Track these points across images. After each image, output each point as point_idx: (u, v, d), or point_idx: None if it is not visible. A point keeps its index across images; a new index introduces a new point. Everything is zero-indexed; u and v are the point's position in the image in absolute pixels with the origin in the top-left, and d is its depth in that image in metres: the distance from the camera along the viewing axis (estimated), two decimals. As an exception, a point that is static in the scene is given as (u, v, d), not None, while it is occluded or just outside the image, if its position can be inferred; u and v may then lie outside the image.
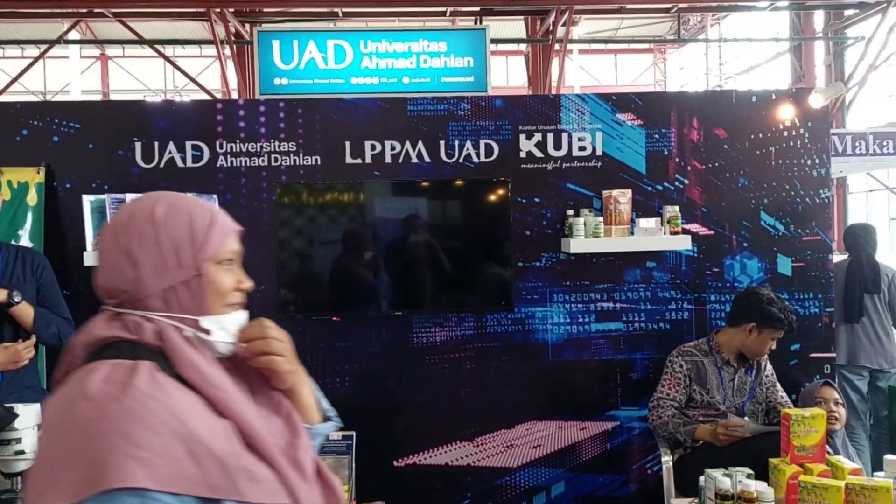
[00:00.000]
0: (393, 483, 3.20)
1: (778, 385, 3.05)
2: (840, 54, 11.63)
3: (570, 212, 3.25)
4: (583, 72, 17.20)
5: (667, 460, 2.87)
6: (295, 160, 3.20)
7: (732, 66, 17.00)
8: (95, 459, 0.83)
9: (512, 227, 3.25)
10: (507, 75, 17.43)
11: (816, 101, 3.30)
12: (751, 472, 2.08)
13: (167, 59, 10.70)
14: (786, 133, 3.36)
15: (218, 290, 1.01)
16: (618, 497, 3.32)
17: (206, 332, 0.98)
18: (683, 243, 3.21)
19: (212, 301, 1.00)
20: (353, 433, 2.13)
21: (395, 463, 3.24)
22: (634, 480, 3.31)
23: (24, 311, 2.36)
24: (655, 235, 3.19)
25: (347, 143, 3.22)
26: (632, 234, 3.21)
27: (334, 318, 3.18)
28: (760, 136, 3.36)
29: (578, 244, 3.16)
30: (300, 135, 3.21)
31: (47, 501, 0.83)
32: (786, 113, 3.34)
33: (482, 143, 3.28)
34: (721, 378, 2.97)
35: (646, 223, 3.20)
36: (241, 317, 1.05)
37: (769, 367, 3.07)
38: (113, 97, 16.90)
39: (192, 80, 10.29)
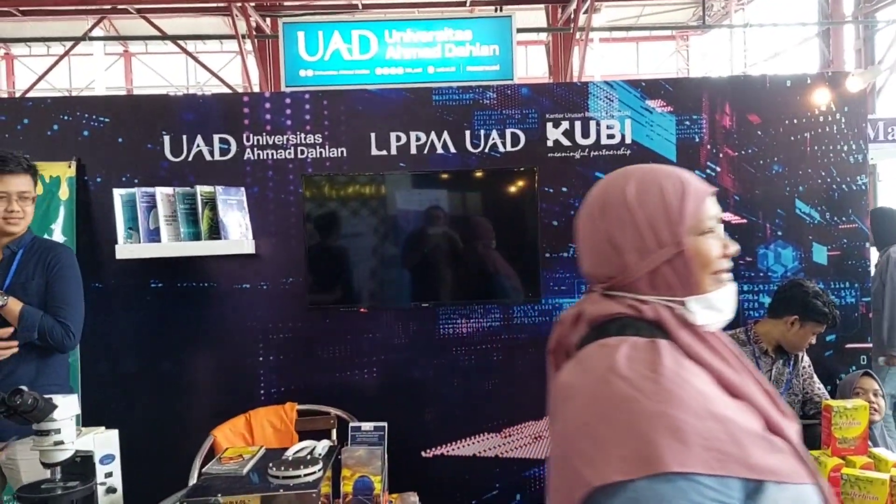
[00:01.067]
0: (421, 474, 3.19)
1: (815, 377, 2.99)
2: (870, 38, 11.38)
3: (599, 201, 3.20)
4: (604, 61, 17.02)
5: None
6: (321, 152, 3.19)
7: (757, 53, 16.72)
8: (645, 440, 0.81)
9: (539, 218, 3.21)
10: (528, 65, 17.30)
11: (855, 84, 3.22)
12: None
13: (189, 54, 10.76)
14: (821, 118, 3.28)
15: (704, 262, 0.97)
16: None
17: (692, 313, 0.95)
18: (715, 232, 3.14)
19: (699, 275, 0.96)
20: (385, 424, 2.11)
21: (423, 454, 3.23)
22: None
23: (11, 311, 2.32)
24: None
25: (373, 135, 3.20)
26: (662, 223, 3.15)
27: (362, 310, 3.17)
28: (795, 121, 3.28)
29: (608, 234, 3.11)
30: (326, 126, 3.20)
31: (600, 473, 0.81)
32: (821, 98, 3.26)
33: (508, 132, 3.24)
34: (758, 368, 2.91)
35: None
36: (728, 293, 0.99)
37: (806, 358, 3.01)
38: (136, 94, 17.06)
39: (215, 74, 10.34)
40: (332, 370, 3.19)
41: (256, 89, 10.09)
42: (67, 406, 1.75)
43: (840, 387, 3.07)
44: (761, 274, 3.28)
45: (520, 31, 9.03)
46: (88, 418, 2.84)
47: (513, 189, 3.23)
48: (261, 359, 3.16)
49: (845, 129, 3.28)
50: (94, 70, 16.14)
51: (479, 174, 3.22)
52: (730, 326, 3.09)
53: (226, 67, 15.52)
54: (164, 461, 2.78)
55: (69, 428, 1.73)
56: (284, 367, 3.17)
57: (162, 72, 17.77)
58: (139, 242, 2.84)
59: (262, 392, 3.16)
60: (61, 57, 10.54)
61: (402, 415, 3.20)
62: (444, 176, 3.20)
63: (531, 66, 17.20)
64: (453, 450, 3.25)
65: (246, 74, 9.75)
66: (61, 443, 1.69)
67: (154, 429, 3.10)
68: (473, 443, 3.26)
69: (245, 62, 9.26)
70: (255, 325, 3.15)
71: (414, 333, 3.23)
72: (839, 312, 2.88)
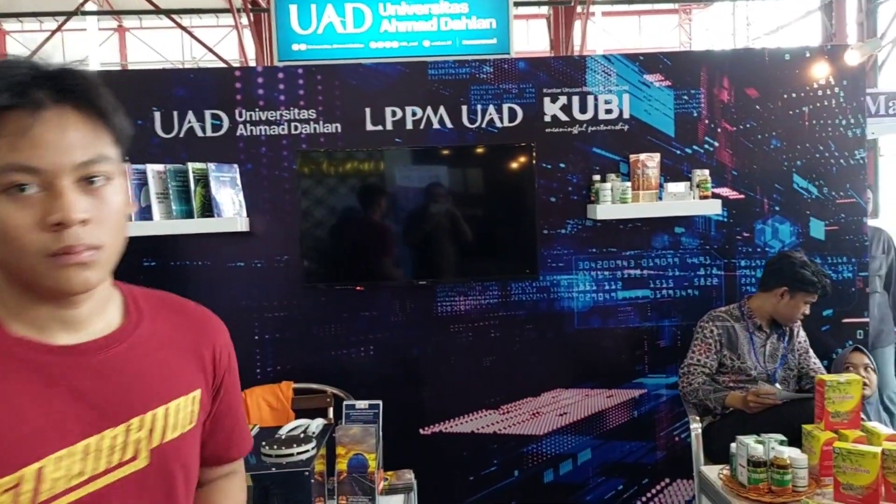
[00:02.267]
0: (419, 451, 3.21)
1: (811, 352, 2.99)
2: (872, 12, 11.25)
3: (597, 177, 3.18)
4: (606, 35, 16.83)
5: (695, 427, 2.84)
6: (315, 128, 3.15)
7: (760, 27, 16.54)
8: None
9: (536, 194, 3.18)
10: (528, 39, 17.11)
11: (853, 57, 3.17)
12: (783, 438, 2.04)
13: (184, 28, 10.62)
14: (820, 92, 3.24)
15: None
16: (645, 464, 3.30)
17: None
18: (713, 208, 3.12)
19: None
20: (380, 402, 2.11)
21: (421, 431, 3.24)
22: (662, 448, 3.29)
23: None
24: (684, 200, 3.11)
25: (368, 110, 3.16)
26: (660, 199, 3.13)
27: (358, 288, 3.16)
28: (793, 95, 3.24)
29: (605, 210, 3.09)
30: (320, 102, 3.16)
31: None
32: (820, 71, 3.22)
33: (505, 107, 3.20)
34: (753, 344, 2.92)
35: (674, 188, 3.12)
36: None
37: (802, 333, 3.01)
38: (126, 68, 16.89)
39: (210, 49, 10.21)
40: (329, 348, 3.19)
41: (253, 64, 9.98)
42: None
43: (834, 363, 3.07)
44: (759, 249, 3.26)
45: (519, 4, 8.91)
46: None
47: (510, 165, 3.20)
48: (256, 337, 3.16)
49: (844, 103, 3.24)
50: (87, 45, 15.95)
51: (476, 150, 3.18)
52: (723, 303, 3.09)
53: (222, 42, 15.34)
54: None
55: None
56: (280, 345, 3.16)
57: (157, 47, 17.58)
58: (130, 220, 2.81)
59: (258, 371, 3.16)
60: (53, 32, 10.40)
61: (400, 392, 3.21)
62: (442, 152, 3.17)
63: (532, 40, 17.02)
64: (451, 427, 3.26)
65: (242, 49, 9.64)
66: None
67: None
68: (471, 420, 3.27)
69: (241, 36, 9.15)
70: (251, 304, 3.14)
71: (411, 311, 3.22)
72: (829, 281, 2.87)
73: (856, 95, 3.24)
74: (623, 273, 3.28)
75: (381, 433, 2.07)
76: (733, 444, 2.08)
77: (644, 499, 3.31)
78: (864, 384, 2.93)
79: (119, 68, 17.21)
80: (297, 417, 2.55)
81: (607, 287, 3.28)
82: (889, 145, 13.22)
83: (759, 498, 1.92)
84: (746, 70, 3.25)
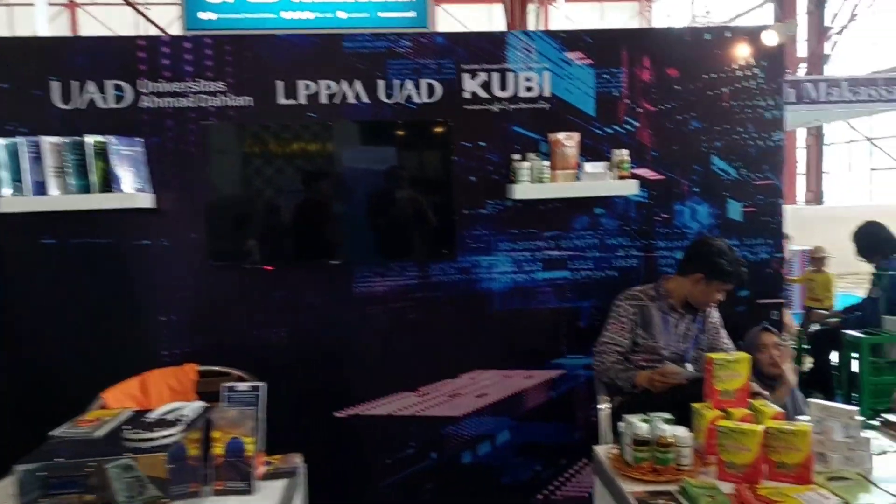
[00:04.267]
0: (334, 434, 3.15)
1: (722, 331, 2.99)
2: (822, 2, 11.41)
3: (517, 156, 3.13)
4: (569, 21, 16.83)
5: (603, 407, 2.83)
6: (225, 101, 3.05)
7: (719, 15, 16.69)
8: None
9: (455, 173, 3.13)
10: (492, 25, 17.02)
11: (770, 38, 3.17)
12: (670, 417, 2.02)
13: (131, 4, 10.31)
14: (739, 73, 3.23)
15: None
16: (563, 444, 3.28)
17: None
18: (631, 188, 3.10)
19: None
20: (264, 384, 2.04)
21: (336, 414, 3.18)
22: (580, 428, 3.28)
23: None
24: (603, 180, 3.08)
25: (280, 83, 3.06)
26: (579, 179, 3.10)
27: (266, 268, 3.07)
28: (714, 76, 3.23)
29: (523, 190, 3.05)
30: (229, 74, 3.05)
31: None
32: (739, 52, 3.21)
33: (424, 82, 3.13)
34: (666, 324, 2.91)
35: (593, 167, 3.09)
36: None
37: (715, 313, 3.01)
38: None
39: (157, 26, 9.94)
40: (240, 330, 3.10)
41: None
42: None
43: (744, 344, 3.08)
44: (677, 230, 3.26)
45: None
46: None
47: (427, 142, 3.14)
48: (162, 318, 3.06)
49: (763, 85, 3.24)
50: (37, 22, 15.40)
51: (392, 126, 3.11)
52: (642, 282, 3.08)
53: (177, 21, 14.94)
54: (48, 425, 2.67)
55: None
56: (188, 327, 3.07)
57: (110, 24, 17.06)
58: (20, 194, 2.69)
59: (164, 353, 3.06)
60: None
61: (315, 375, 3.15)
62: (357, 127, 3.10)
63: (495, 26, 16.93)
64: (368, 410, 3.21)
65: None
66: None
67: (43, 392, 2.97)
68: (388, 402, 3.22)
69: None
70: (156, 283, 3.04)
71: (326, 292, 3.15)
72: (746, 270, 2.87)
73: (774, 77, 3.24)
74: (543, 254, 3.25)
75: (263, 416, 2.00)
76: (622, 423, 2.06)
77: (562, 479, 3.30)
78: (775, 363, 2.98)
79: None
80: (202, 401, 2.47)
81: (527, 268, 3.24)
82: (838, 134, 13.48)
83: (641, 477, 1.90)
84: (667, 50, 3.22)
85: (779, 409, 2.07)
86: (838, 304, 5.34)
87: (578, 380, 3.28)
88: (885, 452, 2.06)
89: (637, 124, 3.23)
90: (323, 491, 3.13)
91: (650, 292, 2.95)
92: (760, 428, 1.87)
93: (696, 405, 2.11)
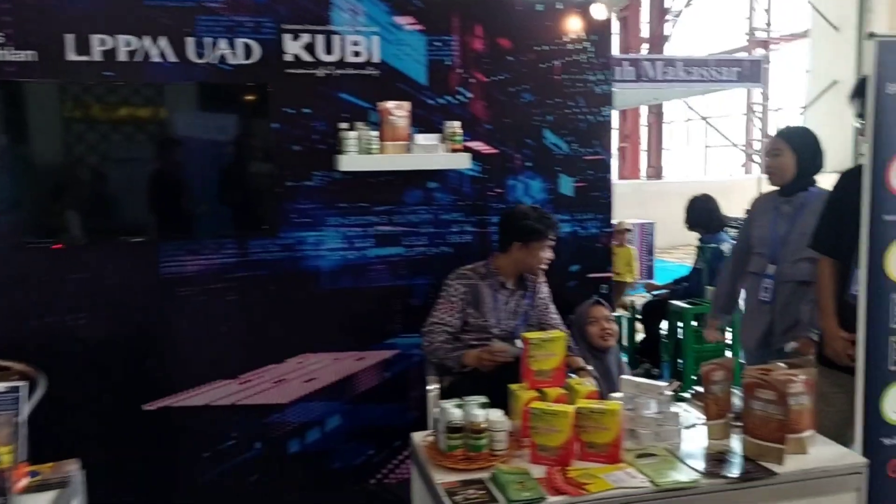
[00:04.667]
0: (141, 430, 2.86)
1: (551, 306, 2.99)
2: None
3: (344, 125, 2.93)
4: None
5: (432, 388, 2.74)
6: (3, 55, 2.62)
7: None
8: None
9: (276, 141, 2.90)
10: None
11: (599, 12, 3.17)
12: (486, 400, 1.95)
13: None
14: (570, 46, 3.21)
15: None
16: (396, 426, 3.17)
17: None
18: (464, 162, 3.01)
19: None
20: (24, 384, 1.75)
21: (144, 407, 2.88)
22: (414, 409, 3.17)
23: None
24: (435, 153, 2.96)
25: (69, 37, 2.67)
26: (410, 151, 2.96)
27: (55, 246, 2.70)
28: (545, 48, 3.19)
29: (350, 161, 2.87)
30: (8, 24, 2.62)
31: None
32: (570, 25, 3.19)
33: (239, 41, 2.85)
34: (496, 301, 2.86)
35: (424, 139, 2.96)
36: None
37: (545, 289, 3.00)
38: None
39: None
40: (26, 317, 2.72)
41: None
42: None
43: (575, 318, 3.10)
44: (511, 205, 3.20)
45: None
46: None
47: (244, 108, 2.88)
48: (-76, 306, 2.62)
49: (593, 59, 3.24)
50: None
51: (205, 89, 2.82)
52: (474, 259, 3.01)
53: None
54: None
55: None
56: (-42, 315, 2.65)
57: None
58: None
59: (-72, 346, 2.62)
60: None
61: (118, 366, 2.84)
62: (162, 89, 2.77)
63: None
64: (181, 401, 2.93)
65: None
66: None
67: None
68: (205, 392, 2.96)
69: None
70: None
71: (129, 273, 2.82)
72: (555, 219, 2.88)
73: (603, 51, 3.25)
74: (375, 230, 3.09)
75: (24, 420, 1.71)
76: (436, 409, 1.97)
77: (396, 461, 3.20)
78: (608, 334, 3.03)
79: None
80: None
81: (358, 244, 3.08)
82: (676, 112, 14.36)
83: (453, 465, 1.81)
84: (500, 19, 3.14)
85: (594, 388, 2.05)
86: (671, 275, 5.63)
87: (413, 359, 3.17)
88: (694, 426, 2.10)
89: (470, 95, 3.13)
90: (133, 492, 2.87)
91: (481, 270, 2.88)
92: (571, 409, 1.83)
93: (513, 386, 2.05)
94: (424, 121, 3.05)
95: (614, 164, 14.37)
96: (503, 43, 3.15)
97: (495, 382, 2.33)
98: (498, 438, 1.86)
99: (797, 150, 2.72)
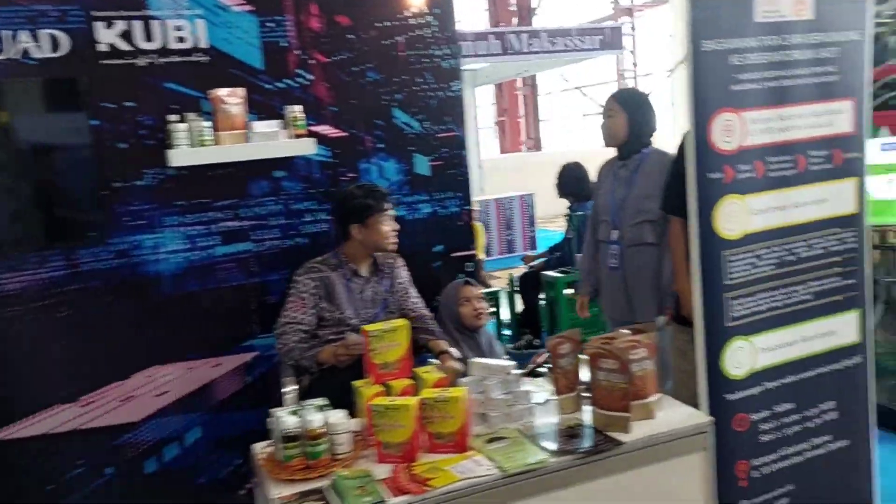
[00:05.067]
0: (-33, 470, 2.57)
1: (411, 290, 2.91)
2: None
3: (174, 117, 2.70)
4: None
5: (288, 391, 2.61)
6: None
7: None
8: None
9: (97, 140, 2.64)
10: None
11: (437, -16, 3.07)
12: (326, 402, 1.83)
13: None
14: (412, 21, 3.10)
15: None
16: (262, 431, 2.95)
17: None
18: (308, 147, 2.86)
19: None
20: None
21: (-32, 445, 2.59)
22: (281, 411, 3.03)
23: None
24: (276, 140, 2.79)
25: None
26: (248, 140, 2.77)
27: None
28: (387, 24, 3.07)
29: (182, 155, 2.66)
30: None
31: None
32: (410, -2, 3.08)
33: (43, 33, 2.57)
34: (350, 292, 2.74)
35: (263, 126, 2.78)
36: None
37: (403, 273, 2.91)
38: None
39: None
40: None
41: None
42: None
43: (443, 298, 3.03)
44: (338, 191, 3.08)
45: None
46: None
47: (53, 105, 2.61)
48: None
49: (438, 34, 3.15)
50: None
51: (3, 87, 2.52)
52: (333, 248, 2.87)
53: None
54: None
55: None
56: None
57: None
58: None
59: None
60: None
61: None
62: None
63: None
64: (13, 433, 2.66)
65: None
66: None
67: None
68: (42, 420, 2.69)
69: None
70: None
71: (-65, 297, 2.51)
72: (381, 187, 2.84)
73: (448, 25, 3.17)
74: (220, 226, 2.90)
75: None
76: (269, 419, 1.84)
77: (267, 468, 3.04)
78: (480, 314, 2.97)
79: None
80: None
81: (202, 244, 2.87)
82: (551, 84, 14.62)
83: (290, 477, 1.69)
84: (335, -5, 2.98)
85: (442, 375, 1.98)
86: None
87: (275, 360, 3.00)
88: (548, 401, 2.07)
89: (311, 77, 2.97)
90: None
91: (331, 261, 2.75)
92: (414, 401, 1.75)
93: (357, 383, 1.94)
94: (264, 107, 2.88)
95: (494, 138, 14.60)
96: (342, 21, 3.00)
97: (356, 377, 2.23)
98: (339, 442, 1.75)
99: (629, 111, 2.74)
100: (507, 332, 5.26)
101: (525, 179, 10.11)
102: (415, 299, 2.88)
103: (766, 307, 1.97)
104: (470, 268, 3.33)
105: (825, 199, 2.00)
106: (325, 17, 2.97)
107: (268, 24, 2.88)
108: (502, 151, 13.64)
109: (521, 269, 5.41)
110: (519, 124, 13.51)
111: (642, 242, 2.73)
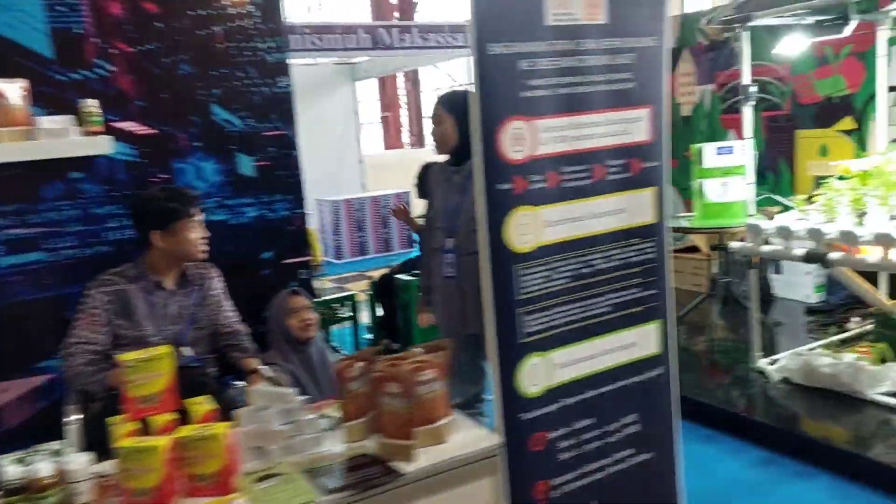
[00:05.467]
0: None
1: (226, 303, 2.69)
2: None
3: (-57, 111, 2.36)
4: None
5: (72, 420, 2.32)
6: None
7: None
8: None
9: None
10: None
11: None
12: (61, 447, 1.61)
13: None
14: (231, 10, 2.87)
15: None
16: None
17: None
18: (104, 146, 2.57)
19: None
20: None
21: None
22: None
23: None
24: (65, 137, 2.50)
25: None
26: (34, 137, 2.46)
27: None
28: (202, 13, 2.82)
29: (-52, 154, 2.32)
30: None
31: None
32: (227, -14, 2.85)
33: None
34: (152, 306, 2.49)
35: (50, 123, 2.48)
36: None
37: (217, 284, 2.68)
38: None
39: None
40: None
41: None
42: None
43: (272, 311, 2.83)
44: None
45: None
46: None
47: None
48: None
49: (261, 25, 2.93)
50: None
51: None
52: (127, 261, 2.61)
53: None
54: None
55: None
56: None
57: None
58: None
59: None
60: None
61: None
62: None
63: None
64: None
65: None
66: None
67: None
68: None
69: None
70: None
71: None
72: (184, 188, 2.65)
73: (272, 16, 2.96)
74: (4, 234, 2.58)
75: None
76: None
77: None
78: (308, 325, 2.78)
79: None
80: None
81: (-17, 254, 2.55)
82: (434, 79, 14.48)
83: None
84: (140, -22, 2.71)
85: (214, 407, 1.78)
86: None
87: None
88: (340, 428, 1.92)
89: (113, 68, 2.69)
90: None
91: (129, 273, 2.50)
92: (164, 441, 1.55)
93: (112, 419, 1.72)
94: (56, 100, 2.58)
95: (378, 134, 14.33)
96: (148, 7, 2.73)
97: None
98: (78, 491, 1.53)
99: (455, 115, 2.63)
100: (368, 336, 5.09)
101: (407, 176, 9.95)
102: (229, 313, 2.66)
103: (562, 321, 1.89)
104: (304, 275, 3.14)
105: (623, 210, 1.95)
106: (128, 3, 2.69)
107: (57, 8, 2.58)
108: (386, 147, 13.41)
109: (381, 272, 5.25)
110: (400, 121, 13.33)
111: (477, 251, 2.63)
